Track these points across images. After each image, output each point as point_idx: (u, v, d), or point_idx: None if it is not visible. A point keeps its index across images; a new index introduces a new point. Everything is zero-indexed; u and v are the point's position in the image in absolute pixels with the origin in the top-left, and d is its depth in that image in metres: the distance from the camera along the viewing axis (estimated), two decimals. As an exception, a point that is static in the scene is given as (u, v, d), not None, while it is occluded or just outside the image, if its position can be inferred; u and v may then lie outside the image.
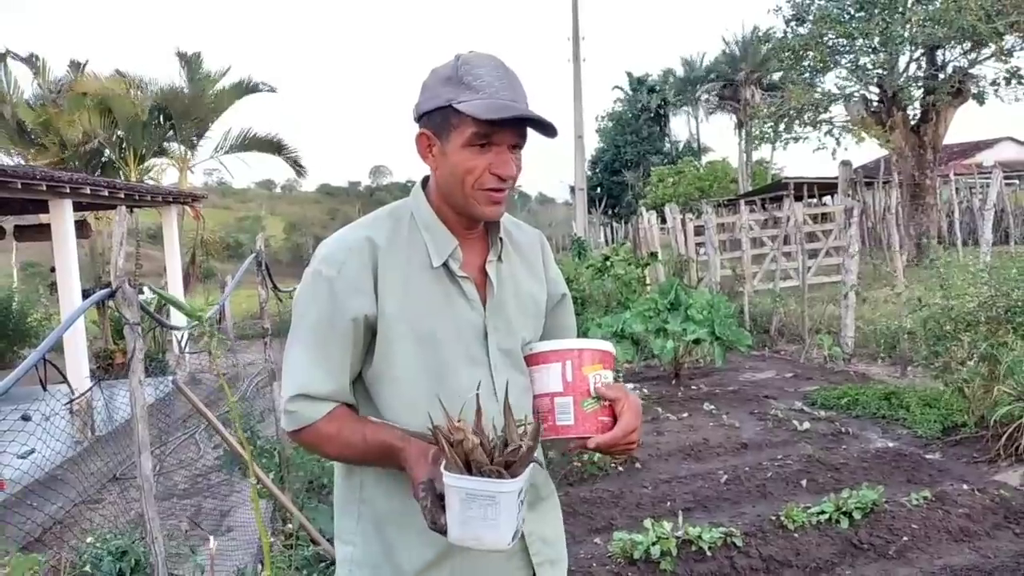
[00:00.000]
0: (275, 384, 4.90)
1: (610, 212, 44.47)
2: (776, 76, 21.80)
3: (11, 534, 3.87)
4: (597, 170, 45.85)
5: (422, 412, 1.35)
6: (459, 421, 1.18)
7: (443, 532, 1.20)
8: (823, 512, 3.96)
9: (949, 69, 17.04)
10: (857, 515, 3.92)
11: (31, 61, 15.72)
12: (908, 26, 15.94)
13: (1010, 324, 5.44)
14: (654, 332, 7.39)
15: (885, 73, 17.16)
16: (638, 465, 5.26)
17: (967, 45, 16.37)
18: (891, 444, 5.45)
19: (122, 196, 9.22)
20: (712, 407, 6.68)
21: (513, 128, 1.34)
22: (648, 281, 10.67)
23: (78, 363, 7.68)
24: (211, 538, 2.55)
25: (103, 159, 15.78)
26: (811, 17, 17.63)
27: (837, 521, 3.91)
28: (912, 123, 17.33)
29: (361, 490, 1.44)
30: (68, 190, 7.82)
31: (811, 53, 17.27)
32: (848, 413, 6.30)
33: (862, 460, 5.00)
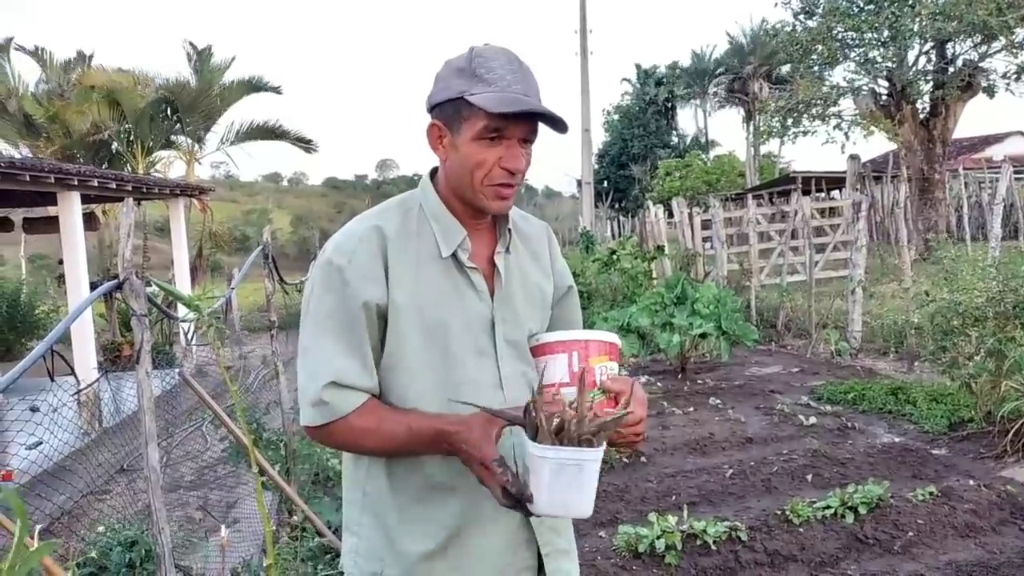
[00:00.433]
0: (282, 377, 4.91)
1: (617, 206, 44.37)
2: (785, 69, 21.69)
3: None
4: (604, 163, 45.73)
5: (429, 402, 1.36)
6: (556, 395, 1.23)
7: (525, 504, 1.23)
8: (828, 507, 3.96)
9: (959, 63, 16.92)
10: (862, 510, 3.91)
11: (37, 54, 15.77)
12: (918, 19, 15.82)
13: (1018, 319, 5.42)
14: (660, 326, 7.39)
15: (894, 67, 17.05)
16: (643, 459, 5.26)
17: (977, 38, 16.25)
18: (897, 439, 5.43)
19: (130, 188, 9.24)
20: (718, 401, 6.68)
21: (524, 122, 1.34)
22: (655, 275, 10.66)
23: (86, 355, 7.72)
24: (223, 527, 2.56)
25: (111, 152, 15.83)
26: (820, 10, 17.52)
27: (842, 516, 3.91)
28: (921, 117, 17.22)
29: (367, 482, 1.44)
30: (76, 182, 7.84)
31: (820, 47, 17.17)
32: (854, 408, 6.28)
33: (868, 455, 5.00)
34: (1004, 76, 16.53)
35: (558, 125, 1.36)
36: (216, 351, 1.63)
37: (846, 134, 17.97)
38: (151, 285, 3.27)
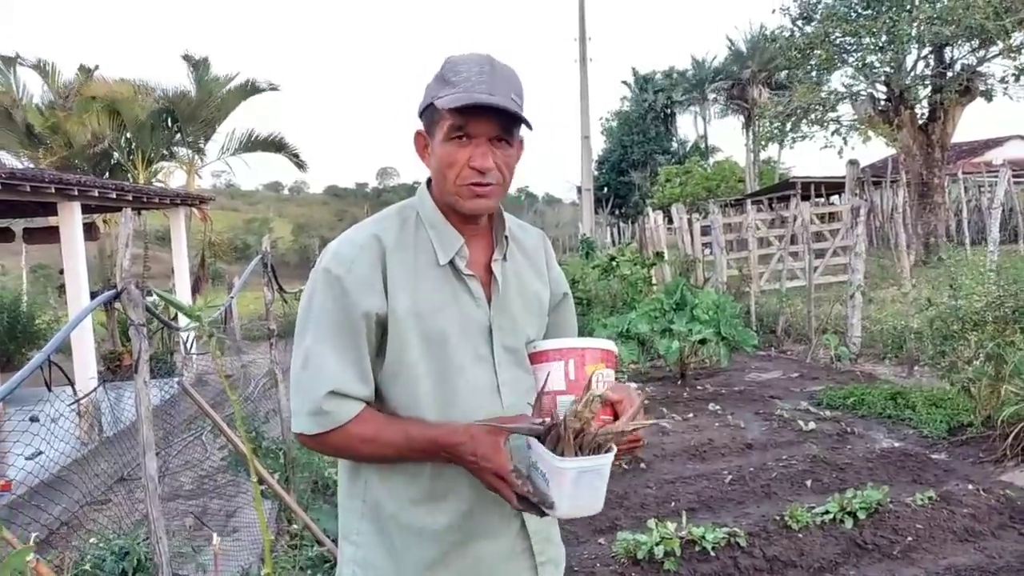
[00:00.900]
0: (281, 385, 4.91)
1: (617, 212, 44.41)
2: (783, 75, 21.73)
3: (18, 535, 3.90)
4: (604, 170, 45.78)
5: (428, 409, 1.38)
6: (583, 406, 1.26)
7: (546, 511, 1.28)
8: (827, 512, 3.95)
9: (957, 67, 16.95)
10: (862, 515, 3.91)
11: (40, 67, 15.83)
12: (915, 24, 15.85)
13: (1017, 324, 5.42)
14: (660, 332, 7.39)
15: (892, 71, 17.08)
16: (643, 465, 5.25)
17: (975, 43, 16.28)
18: (897, 444, 5.43)
19: (130, 198, 9.27)
20: (717, 407, 6.67)
21: (489, 120, 1.35)
22: (654, 281, 10.66)
23: (86, 365, 7.72)
24: (215, 535, 2.56)
25: (111, 162, 15.88)
26: (818, 15, 17.57)
27: (841, 521, 3.90)
28: (920, 122, 17.24)
29: (366, 491, 1.44)
30: (76, 193, 7.86)
31: (818, 51, 17.21)
32: (854, 413, 6.28)
33: (867, 460, 4.99)
34: (1002, 80, 16.56)
35: (521, 121, 1.36)
36: (214, 360, 1.64)
37: (844, 139, 18.01)
38: (151, 295, 3.29)
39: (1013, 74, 16.21)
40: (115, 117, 14.86)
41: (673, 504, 4.51)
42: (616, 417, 1.37)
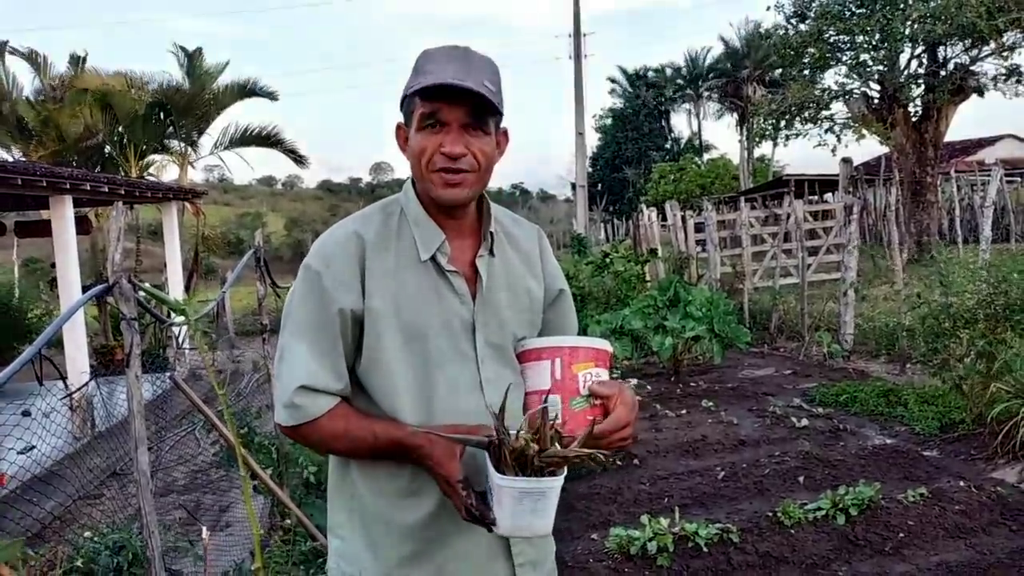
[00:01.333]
0: (273, 380, 4.90)
1: (611, 209, 44.42)
2: (777, 73, 21.79)
3: (10, 530, 3.89)
4: (598, 167, 45.76)
5: (409, 404, 1.38)
6: (520, 431, 1.24)
7: (489, 526, 1.26)
8: (820, 509, 3.97)
9: (950, 66, 16.99)
10: (854, 512, 3.93)
11: (32, 57, 15.72)
12: (908, 23, 15.88)
13: (1008, 322, 5.45)
14: (653, 329, 7.40)
15: (886, 70, 17.12)
16: (636, 461, 5.26)
17: (968, 42, 16.33)
18: (889, 441, 5.45)
19: (122, 192, 9.22)
20: (711, 404, 6.68)
21: (461, 105, 1.34)
22: (648, 278, 10.67)
23: (78, 359, 7.70)
24: (203, 528, 2.56)
25: (104, 155, 15.79)
26: (812, 14, 17.58)
27: (834, 517, 3.92)
28: (913, 120, 17.29)
29: (353, 487, 1.45)
30: (68, 186, 7.83)
31: (811, 50, 17.23)
32: (846, 410, 6.30)
33: (859, 457, 5.01)
34: (994, 79, 16.62)
35: (488, 104, 1.34)
36: (202, 355, 1.63)
37: (838, 137, 18.03)
38: (140, 289, 3.27)
39: (1003, 74, 16.28)
40: (107, 110, 14.77)
41: (666, 500, 4.52)
42: (607, 414, 1.37)
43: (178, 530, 4.47)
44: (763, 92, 32.76)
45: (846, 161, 20.31)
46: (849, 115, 17.95)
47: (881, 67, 17.19)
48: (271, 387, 4.98)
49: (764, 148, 37.85)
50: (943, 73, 16.74)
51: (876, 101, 17.50)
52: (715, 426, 6.02)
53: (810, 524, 3.90)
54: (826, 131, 18.09)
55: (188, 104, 16.03)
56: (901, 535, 3.81)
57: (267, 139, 16.98)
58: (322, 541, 3.63)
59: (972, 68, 16.73)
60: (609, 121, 47.61)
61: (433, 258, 1.42)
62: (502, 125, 1.45)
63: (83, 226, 10.11)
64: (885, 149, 18.64)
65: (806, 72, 18.11)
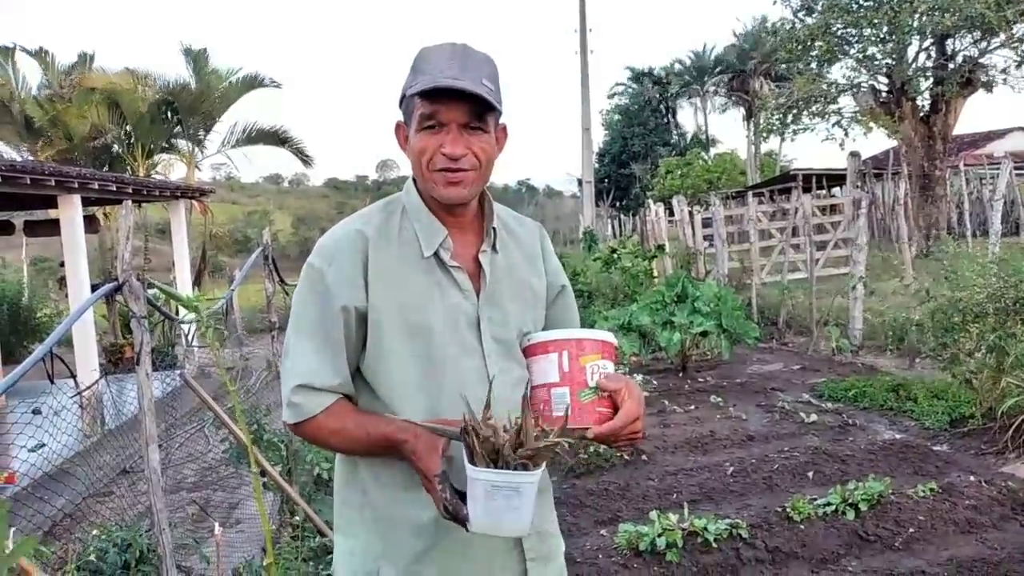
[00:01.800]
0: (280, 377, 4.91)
1: (618, 205, 44.34)
2: (784, 67, 21.72)
3: (22, 527, 3.91)
4: (605, 162, 45.67)
5: (416, 400, 1.38)
6: (489, 418, 1.23)
7: (462, 521, 1.24)
8: (829, 504, 3.96)
9: (959, 59, 16.89)
10: (863, 507, 3.91)
11: (40, 55, 15.78)
12: (916, 15, 15.78)
13: (1018, 315, 5.42)
14: (661, 325, 7.39)
15: (894, 63, 17.02)
16: (644, 457, 5.26)
17: (977, 34, 16.22)
18: (898, 436, 5.43)
19: (130, 191, 9.25)
20: (719, 399, 6.68)
21: (459, 106, 1.34)
22: (655, 274, 10.66)
23: (88, 357, 7.73)
24: (215, 524, 2.57)
25: (111, 154, 15.84)
26: (819, 7, 17.49)
27: (843, 513, 3.91)
28: (921, 113, 17.19)
29: (363, 485, 1.45)
30: (76, 185, 7.86)
31: (819, 43, 17.15)
32: (855, 405, 6.28)
33: (869, 452, 5.00)
34: (1003, 71, 16.50)
35: (487, 103, 1.34)
36: (213, 352, 1.64)
37: (846, 131, 17.98)
38: (151, 287, 3.29)
39: (1016, 61, 16.13)
40: (115, 109, 14.81)
41: (675, 496, 4.52)
42: (616, 409, 1.37)
43: (188, 527, 4.50)
44: (770, 86, 32.66)
45: (854, 155, 20.20)
46: (857, 109, 17.87)
47: (889, 60, 17.11)
48: (279, 385, 5.00)
49: (771, 143, 37.71)
50: (952, 66, 16.64)
51: (884, 94, 17.41)
52: (723, 422, 6.01)
53: (819, 519, 3.89)
54: (833, 125, 18.04)
55: (195, 102, 16.06)
56: (911, 530, 3.80)
57: (274, 137, 17.00)
58: (331, 537, 3.64)
59: (981, 60, 16.61)
60: (616, 117, 47.51)
61: (436, 254, 1.42)
62: (501, 121, 1.45)
63: (91, 225, 10.17)
64: (893, 143, 18.57)
65: (813, 66, 18.03)
